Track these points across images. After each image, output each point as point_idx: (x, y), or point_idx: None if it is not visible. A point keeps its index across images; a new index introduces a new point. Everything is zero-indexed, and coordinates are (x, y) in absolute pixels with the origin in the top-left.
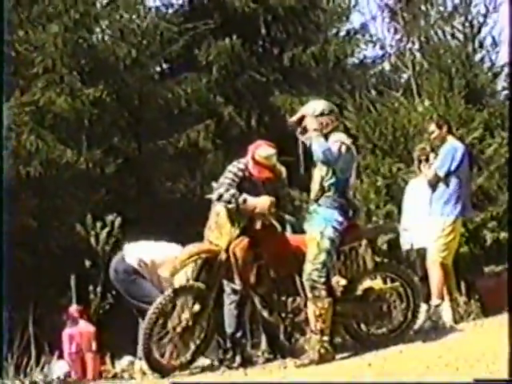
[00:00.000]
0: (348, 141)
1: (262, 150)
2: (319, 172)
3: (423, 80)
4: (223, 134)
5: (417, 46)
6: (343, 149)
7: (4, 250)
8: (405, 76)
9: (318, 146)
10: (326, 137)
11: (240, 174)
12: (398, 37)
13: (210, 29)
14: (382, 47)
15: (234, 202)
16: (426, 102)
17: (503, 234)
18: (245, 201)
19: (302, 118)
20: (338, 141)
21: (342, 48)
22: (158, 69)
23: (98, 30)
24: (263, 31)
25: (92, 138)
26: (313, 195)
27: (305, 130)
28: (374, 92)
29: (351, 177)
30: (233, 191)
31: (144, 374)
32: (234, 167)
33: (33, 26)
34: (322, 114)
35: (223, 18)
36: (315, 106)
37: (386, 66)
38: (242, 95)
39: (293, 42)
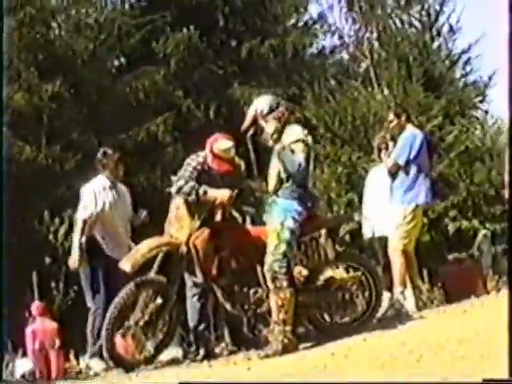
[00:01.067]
0: (303, 133)
1: (220, 143)
2: (276, 164)
3: (382, 69)
4: (182, 126)
5: (375, 35)
6: (305, 153)
7: None
8: (363, 65)
9: (288, 163)
10: (282, 131)
11: (199, 167)
12: (355, 26)
13: (167, 21)
14: (341, 37)
15: (193, 194)
16: (385, 91)
17: (465, 223)
18: (205, 192)
19: (254, 120)
20: (297, 144)
21: (300, 39)
22: (116, 63)
23: (54, 24)
24: (221, 23)
25: (51, 133)
26: (271, 187)
27: (260, 131)
28: (333, 82)
29: (309, 167)
30: (192, 183)
31: (106, 370)
32: (193, 160)
33: None
34: (271, 111)
35: (180, 11)
36: (262, 105)
37: (345, 55)
38: (201, 87)
39: (251, 33)
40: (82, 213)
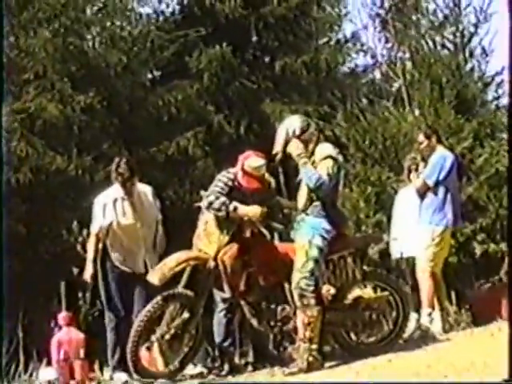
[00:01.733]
0: (335, 151)
1: (252, 160)
2: (304, 178)
3: (414, 89)
4: (213, 141)
5: (407, 55)
6: (330, 169)
7: None
8: (396, 85)
9: (307, 178)
10: (313, 152)
11: (230, 183)
12: (388, 46)
13: (200, 36)
14: (373, 56)
15: (224, 210)
16: (416, 112)
17: (492, 246)
18: (235, 209)
19: (286, 142)
20: (326, 160)
21: (333, 57)
22: (149, 76)
23: (88, 36)
24: (254, 39)
25: (82, 144)
26: (300, 205)
27: (288, 157)
28: (364, 101)
29: (339, 185)
30: (223, 199)
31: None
32: (224, 176)
33: (23, 32)
34: (303, 132)
35: (214, 26)
36: (294, 126)
37: (377, 75)
38: (233, 103)
39: (284, 50)
40: (94, 225)
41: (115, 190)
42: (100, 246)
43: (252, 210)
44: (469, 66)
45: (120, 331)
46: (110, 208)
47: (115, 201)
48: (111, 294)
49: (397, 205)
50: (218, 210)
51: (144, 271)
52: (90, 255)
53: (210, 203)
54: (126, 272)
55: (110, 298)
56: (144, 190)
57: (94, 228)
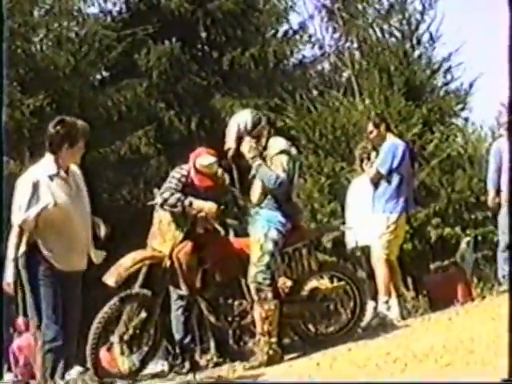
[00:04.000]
0: (287, 145)
1: (203, 158)
2: (259, 177)
3: (363, 79)
4: (164, 139)
5: (355, 45)
6: (285, 164)
7: None
8: (345, 75)
9: (266, 180)
10: (265, 146)
11: (183, 179)
12: (336, 36)
13: (148, 34)
14: (321, 47)
15: (179, 206)
16: (367, 101)
17: (447, 230)
18: (191, 204)
19: (238, 137)
20: (280, 156)
21: (281, 49)
22: (98, 76)
23: (35, 39)
24: (202, 34)
25: (34, 147)
26: (255, 200)
27: (240, 154)
28: (314, 92)
29: (294, 178)
30: (178, 195)
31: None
32: (177, 173)
33: None
34: (254, 126)
35: (162, 23)
36: (245, 121)
37: (326, 65)
38: (183, 99)
39: (232, 44)
40: (17, 214)
41: (47, 166)
42: (25, 240)
43: (208, 205)
44: (416, 53)
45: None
46: (44, 188)
47: (50, 179)
48: (43, 302)
49: (350, 194)
50: (174, 206)
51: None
52: (10, 255)
53: (165, 200)
54: (64, 273)
55: (39, 308)
56: (76, 170)
57: (18, 218)
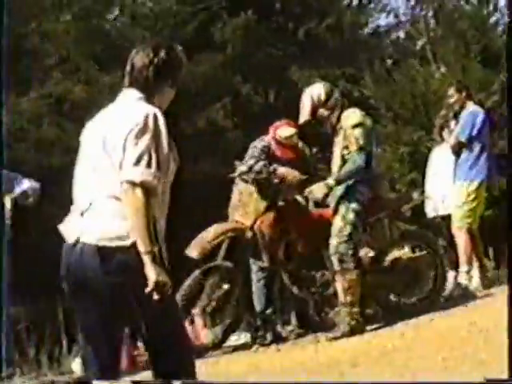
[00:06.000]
0: (362, 116)
1: (283, 130)
2: (339, 148)
3: (439, 47)
4: (242, 111)
5: (431, 12)
6: (361, 140)
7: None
8: (419, 43)
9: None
10: (339, 118)
11: (265, 149)
12: (411, 4)
13: (223, 7)
14: (396, 16)
15: (265, 172)
16: (443, 69)
17: None
18: (275, 170)
19: (313, 110)
20: (355, 130)
21: (356, 18)
22: None
23: (110, 16)
24: (278, 6)
25: None
26: (335, 170)
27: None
28: (389, 61)
29: (371, 148)
30: (262, 162)
31: None
32: (259, 143)
33: (45, 17)
34: (328, 98)
35: None
36: (318, 93)
37: (401, 34)
38: (259, 72)
39: (307, 15)
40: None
41: None
42: None
43: (291, 173)
44: (493, 19)
45: None
46: None
47: None
48: None
49: (431, 163)
50: (259, 172)
51: None
52: None
53: (251, 167)
54: None
55: None
56: None
57: None
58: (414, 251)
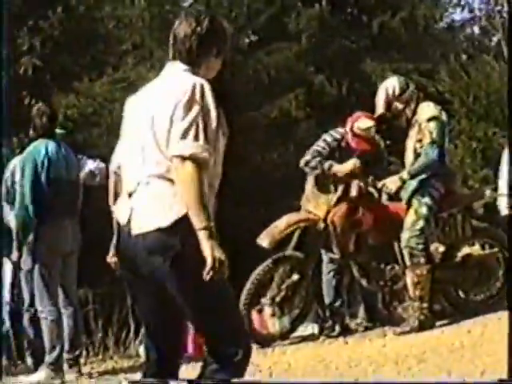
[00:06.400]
0: (437, 110)
1: (362, 121)
2: (412, 141)
3: None
4: (315, 102)
5: (506, 8)
6: (435, 134)
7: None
8: (494, 39)
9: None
10: (415, 111)
11: (334, 143)
12: None
13: None
14: (471, 10)
15: (319, 168)
16: None
17: None
18: (330, 166)
19: (388, 104)
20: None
21: (430, 12)
22: (247, 40)
23: (185, 4)
24: None
25: None
26: (408, 163)
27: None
28: (464, 56)
29: (444, 143)
30: (319, 158)
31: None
32: (330, 136)
33: (120, 2)
34: (403, 92)
35: None
36: (393, 86)
37: (476, 29)
38: (333, 63)
39: (381, 7)
40: None
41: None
42: None
43: (345, 165)
44: None
45: None
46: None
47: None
48: None
49: (504, 160)
50: (314, 168)
51: None
52: None
53: (307, 162)
54: None
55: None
56: None
57: None
58: (483, 248)
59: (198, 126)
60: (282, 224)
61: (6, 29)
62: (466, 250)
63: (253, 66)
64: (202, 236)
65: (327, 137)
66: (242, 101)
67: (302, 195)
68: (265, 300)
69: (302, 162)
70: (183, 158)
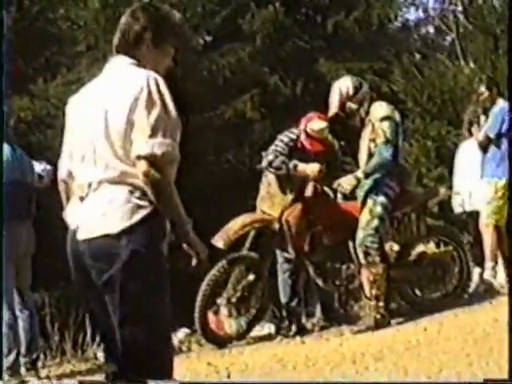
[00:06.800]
0: (390, 110)
1: (315, 123)
2: (366, 141)
3: (468, 42)
4: (269, 103)
5: (460, 7)
6: (388, 133)
7: None
8: (448, 39)
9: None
10: (368, 111)
11: (291, 143)
12: None
13: None
14: (425, 10)
15: (284, 169)
16: (472, 65)
17: None
18: (295, 166)
19: (342, 104)
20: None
21: (384, 12)
22: (201, 41)
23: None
24: None
25: None
26: (362, 163)
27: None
28: (418, 56)
29: (399, 142)
30: (282, 158)
31: (201, 345)
32: (286, 137)
33: (74, 3)
34: (356, 91)
35: None
36: (346, 87)
37: (430, 29)
38: (287, 64)
39: (335, 7)
40: None
41: None
42: None
43: (311, 167)
44: None
45: None
46: None
47: None
48: None
49: (458, 158)
50: (278, 168)
51: None
52: None
53: (270, 162)
54: None
55: None
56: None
57: None
58: (438, 246)
59: (165, 123)
60: (236, 225)
61: None
62: (420, 248)
63: (207, 67)
64: (187, 231)
65: (284, 137)
66: (197, 101)
67: (256, 196)
68: (221, 301)
69: (264, 162)
70: (154, 158)
